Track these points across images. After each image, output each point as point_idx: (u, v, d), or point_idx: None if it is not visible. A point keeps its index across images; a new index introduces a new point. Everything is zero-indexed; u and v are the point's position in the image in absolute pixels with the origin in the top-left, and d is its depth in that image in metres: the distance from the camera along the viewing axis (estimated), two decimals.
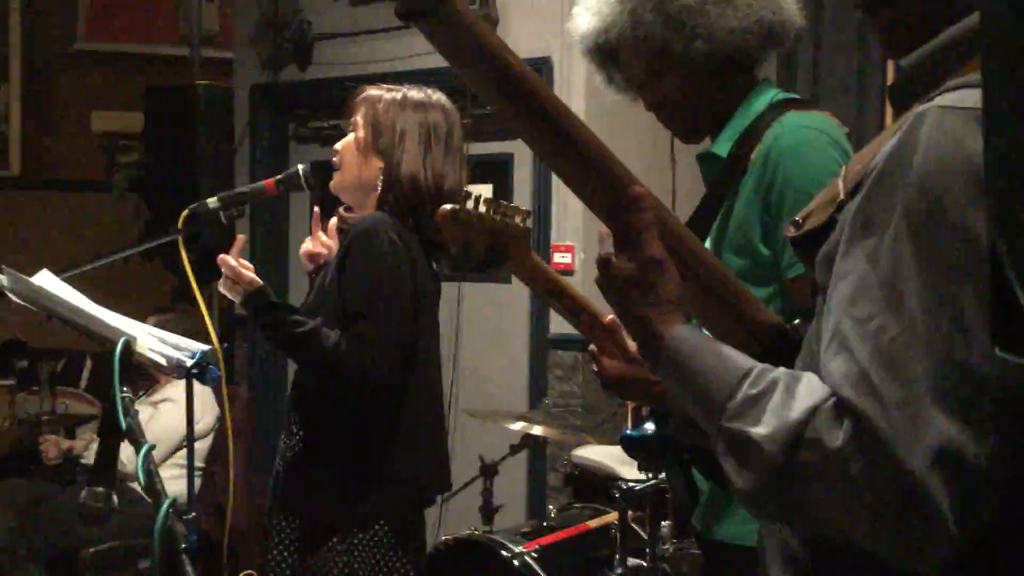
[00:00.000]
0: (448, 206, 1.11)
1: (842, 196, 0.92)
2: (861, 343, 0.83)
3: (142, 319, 3.84)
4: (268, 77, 4.37)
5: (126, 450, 3.82)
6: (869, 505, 0.81)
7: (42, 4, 6.04)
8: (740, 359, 0.93)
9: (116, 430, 1.52)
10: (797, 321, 1.10)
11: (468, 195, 1.13)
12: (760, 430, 0.85)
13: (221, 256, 2.09)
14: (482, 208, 1.14)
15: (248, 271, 2.10)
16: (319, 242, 2.30)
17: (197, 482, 3.83)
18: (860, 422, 0.81)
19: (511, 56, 0.94)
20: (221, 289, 2.13)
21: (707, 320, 1.03)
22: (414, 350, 2.13)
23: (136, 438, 1.42)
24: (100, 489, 1.58)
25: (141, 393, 3.95)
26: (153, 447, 1.37)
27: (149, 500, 1.25)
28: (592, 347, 1.33)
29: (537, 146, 0.97)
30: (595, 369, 1.32)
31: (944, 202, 0.81)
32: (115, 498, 1.61)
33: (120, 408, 1.49)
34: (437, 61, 3.80)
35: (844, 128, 1.73)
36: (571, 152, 0.97)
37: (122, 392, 1.56)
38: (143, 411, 3.81)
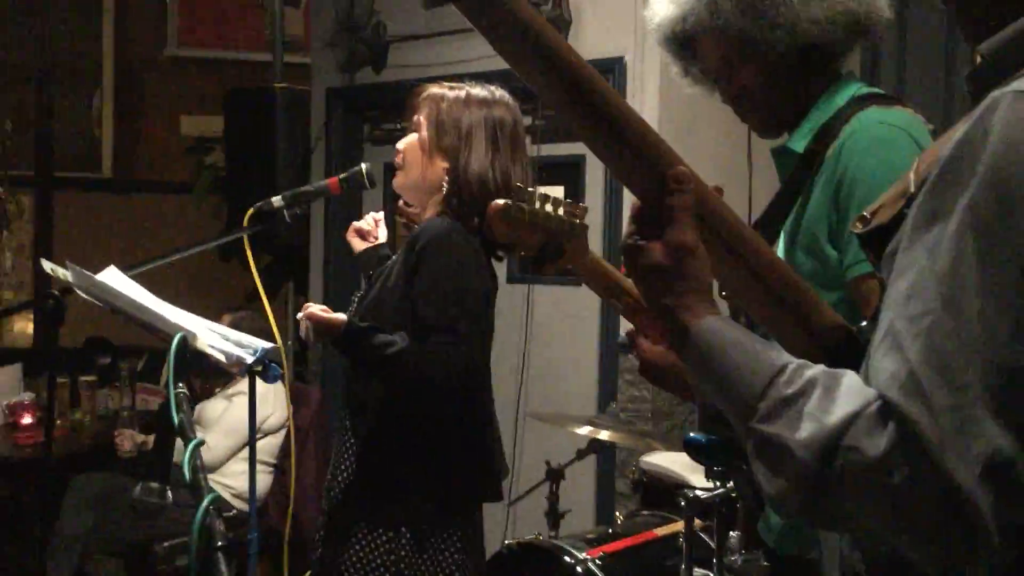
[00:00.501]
0: (500, 202, 1.08)
1: (912, 189, 0.86)
2: (912, 342, 0.77)
3: (218, 317, 3.94)
4: (344, 80, 4.41)
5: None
6: (909, 515, 0.76)
7: (133, 11, 6.23)
8: (773, 354, 0.86)
9: (170, 426, 1.53)
10: (864, 324, 1.04)
11: (522, 190, 1.09)
12: (795, 435, 0.80)
13: (307, 311, 2.05)
14: (536, 204, 1.10)
15: (330, 314, 2.05)
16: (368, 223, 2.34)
17: (269, 479, 3.89)
18: (906, 427, 0.75)
19: (544, 26, 0.90)
20: (311, 338, 2.09)
21: (765, 320, 0.97)
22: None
23: (187, 434, 1.42)
24: (154, 484, 1.60)
25: (217, 389, 4.02)
26: (202, 443, 1.38)
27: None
28: (632, 328, 1.29)
29: (573, 119, 0.92)
30: (633, 352, 1.28)
31: (1016, 195, 0.74)
32: (169, 493, 1.62)
33: (173, 404, 1.50)
34: None
35: (929, 126, 1.63)
36: (607, 124, 0.91)
37: (177, 388, 1.57)
38: (218, 405, 3.89)
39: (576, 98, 0.90)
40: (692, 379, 0.95)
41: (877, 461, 0.76)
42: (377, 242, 2.37)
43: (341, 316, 2.04)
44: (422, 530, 2.04)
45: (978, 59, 0.89)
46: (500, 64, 0.93)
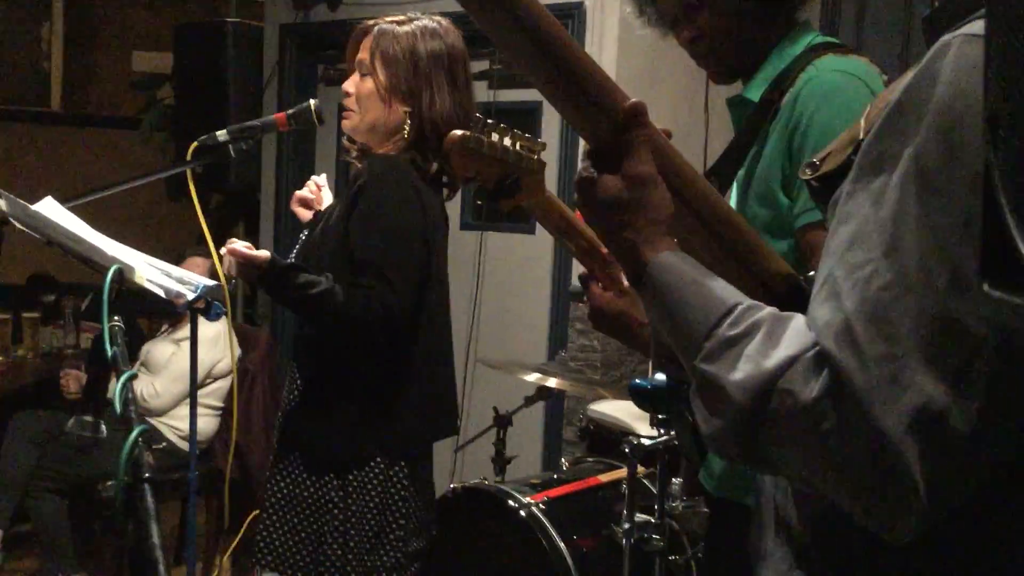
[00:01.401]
0: (458, 133, 1.04)
1: (861, 136, 0.83)
2: (850, 290, 0.76)
3: (177, 258, 3.87)
4: (298, 16, 4.31)
5: (148, 387, 3.83)
6: (837, 464, 0.75)
7: None
8: (726, 293, 0.85)
9: (104, 359, 1.49)
10: (812, 273, 1.03)
11: (481, 121, 1.06)
12: (731, 376, 0.79)
13: (229, 246, 2.02)
14: (495, 137, 1.07)
15: (254, 251, 2.02)
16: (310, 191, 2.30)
17: (217, 421, 3.86)
18: (838, 376, 0.74)
19: None
20: (232, 273, 2.05)
21: (713, 267, 0.96)
22: (423, 298, 2.09)
23: (120, 368, 1.39)
24: (88, 418, 1.56)
25: (164, 329, 3.96)
26: (135, 375, 1.34)
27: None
28: (584, 271, 1.27)
29: (516, 54, 0.89)
30: (585, 298, 1.27)
31: (962, 143, 0.71)
32: (103, 427, 1.59)
33: (107, 336, 1.46)
34: None
35: (884, 76, 1.63)
36: (553, 60, 0.88)
37: (111, 321, 1.53)
38: (166, 349, 3.84)
39: (526, 36, 0.86)
40: (648, 314, 0.91)
41: (808, 406, 0.75)
42: (323, 208, 2.32)
43: (265, 253, 2.00)
44: (366, 469, 2.04)
45: (935, 3, 0.87)
46: (454, 5, 0.90)
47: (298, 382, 2.12)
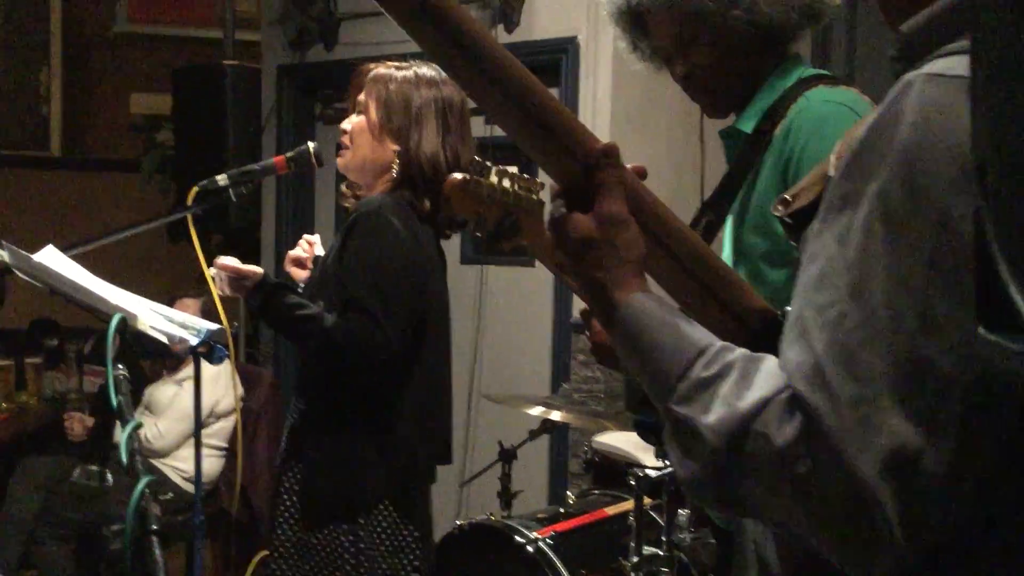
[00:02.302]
0: (458, 176, 1.05)
1: (831, 172, 0.83)
2: (819, 332, 0.76)
3: (172, 302, 3.88)
4: (294, 57, 4.35)
5: (151, 428, 3.82)
6: (812, 506, 0.74)
7: None
8: (698, 335, 0.85)
9: (109, 408, 1.50)
10: (789, 308, 1.04)
11: (480, 164, 1.07)
12: (705, 419, 0.78)
13: (219, 261, 2.06)
14: (493, 179, 1.08)
15: (246, 266, 2.07)
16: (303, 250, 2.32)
17: (221, 462, 3.86)
18: (811, 419, 0.74)
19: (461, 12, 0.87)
20: (225, 290, 2.09)
21: (689, 305, 0.96)
22: (421, 331, 2.10)
23: (124, 416, 1.40)
24: (93, 467, 1.57)
25: (165, 372, 3.97)
26: (139, 425, 1.35)
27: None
28: (585, 308, 1.27)
29: (488, 104, 0.90)
30: (587, 333, 1.27)
31: (924, 183, 0.72)
32: (109, 476, 1.60)
33: (112, 385, 1.47)
34: None
35: (874, 106, 1.65)
36: (525, 107, 0.88)
37: (116, 370, 1.53)
38: (168, 389, 3.84)
39: (496, 88, 0.87)
40: (621, 358, 0.91)
41: (783, 449, 0.75)
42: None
43: (257, 268, 2.04)
44: (374, 512, 2.03)
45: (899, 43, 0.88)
46: None
47: (296, 422, 2.12)
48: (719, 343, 0.84)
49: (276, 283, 2.04)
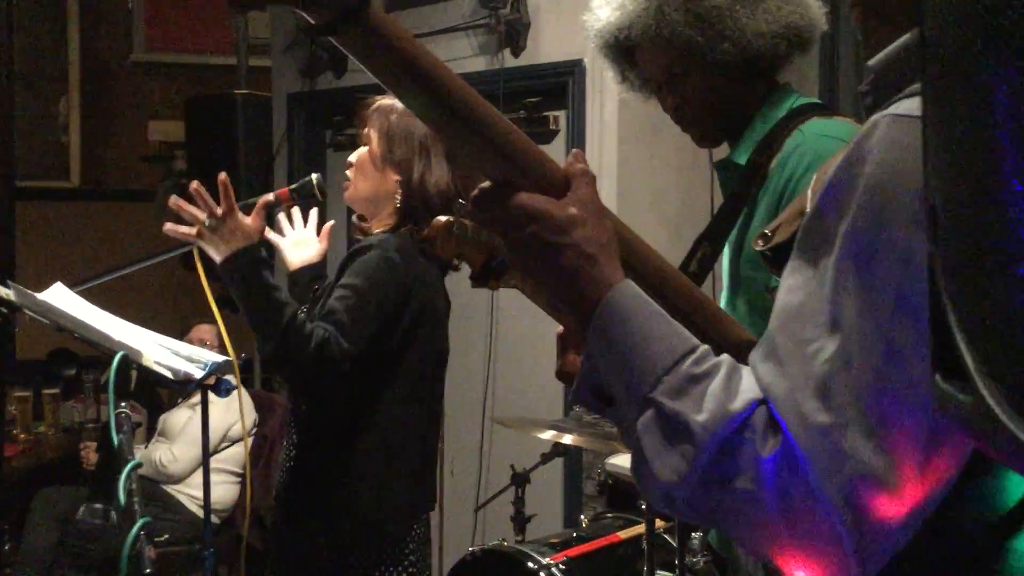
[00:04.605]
0: (442, 219, 1.06)
1: (808, 207, 0.84)
2: (796, 363, 0.77)
3: (187, 329, 3.90)
4: (305, 85, 4.38)
5: (166, 453, 3.82)
6: (778, 524, 0.76)
7: (100, 16, 6.17)
8: (687, 332, 0.85)
9: (112, 446, 1.51)
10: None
11: (465, 206, 1.08)
12: (698, 416, 0.79)
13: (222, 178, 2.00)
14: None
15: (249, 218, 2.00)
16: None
17: (236, 488, 3.87)
18: (785, 441, 0.76)
19: (427, 56, 0.87)
20: (203, 243, 2.01)
21: None
22: (390, 365, 2.08)
23: (125, 456, 1.41)
24: (98, 506, 1.58)
25: (180, 399, 3.99)
26: (139, 465, 1.36)
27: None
28: (560, 330, 1.27)
29: (461, 144, 0.89)
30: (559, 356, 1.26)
31: (891, 220, 0.74)
32: (113, 514, 1.61)
33: (113, 425, 1.48)
34: (473, 66, 3.75)
35: None
36: (491, 145, 0.87)
37: (118, 409, 1.55)
38: (181, 415, 3.87)
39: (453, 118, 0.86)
40: (592, 341, 0.86)
41: (763, 462, 0.76)
42: (314, 258, 2.30)
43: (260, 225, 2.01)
44: (346, 544, 2.04)
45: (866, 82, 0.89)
46: (463, 67, 0.90)
47: (292, 455, 2.13)
48: (705, 345, 0.85)
49: (263, 258, 1.98)
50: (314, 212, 2.34)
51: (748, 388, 0.80)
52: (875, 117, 0.78)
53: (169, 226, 2.01)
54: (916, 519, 0.75)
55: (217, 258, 1.98)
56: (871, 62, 0.87)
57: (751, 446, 0.77)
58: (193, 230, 1.98)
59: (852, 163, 0.78)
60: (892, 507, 0.74)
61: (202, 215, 1.97)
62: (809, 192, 0.88)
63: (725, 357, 0.83)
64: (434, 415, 2.23)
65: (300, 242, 2.28)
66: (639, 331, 0.83)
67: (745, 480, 0.77)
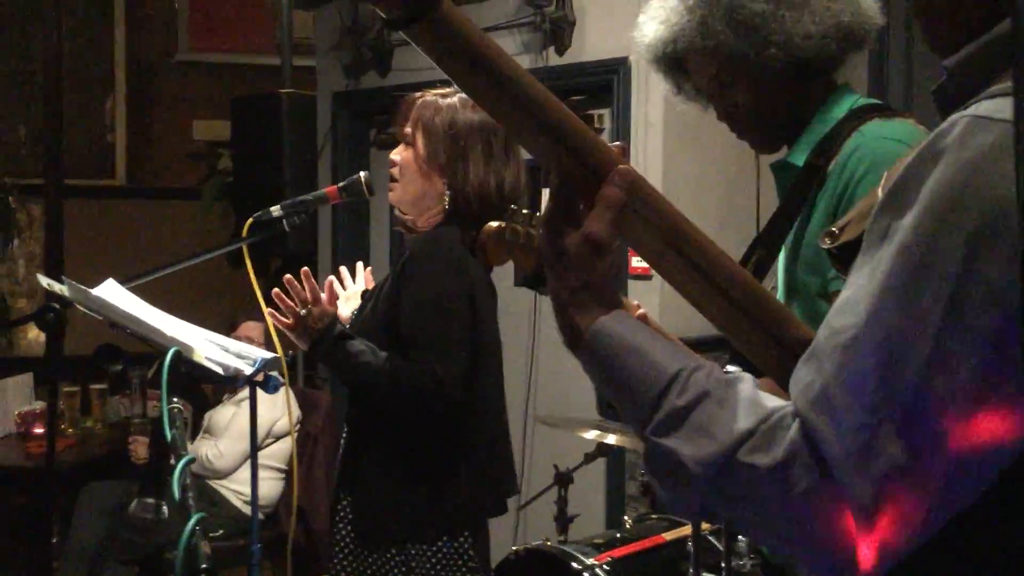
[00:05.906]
0: (493, 224, 1.06)
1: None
2: (831, 353, 0.76)
3: (234, 326, 3.93)
4: (349, 84, 4.40)
5: (212, 448, 3.86)
6: (804, 528, 0.76)
7: (144, 17, 6.24)
8: (667, 359, 0.84)
9: (165, 441, 1.52)
10: None
11: (516, 212, 1.07)
12: (690, 452, 0.79)
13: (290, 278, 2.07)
14: (530, 226, 1.08)
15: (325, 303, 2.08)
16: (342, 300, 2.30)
17: (281, 484, 3.89)
18: (812, 441, 0.75)
19: (497, 51, 0.87)
20: (290, 334, 2.09)
21: (733, 335, 0.95)
22: (475, 366, 2.09)
23: (178, 451, 1.42)
24: (150, 500, 1.59)
25: (226, 396, 4.02)
26: (192, 460, 1.37)
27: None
28: None
29: (506, 121, 0.90)
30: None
31: (957, 223, 0.72)
32: (165, 508, 1.62)
33: (166, 419, 1.49)
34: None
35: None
36: (541, 122, 0.89)
37: (171, 403, 1.56)
38: (227, 411, 3.90)
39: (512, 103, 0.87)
40: (590, 377, 0.90)
41: (771, 472, 0.76)
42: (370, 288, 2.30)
43: (327, 308, 2.06)
44: (427, 542, 2.03)
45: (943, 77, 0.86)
46: None
47: (351, 451, 2.13)
48: (689, 364, 0.83)
49: (339, 333, 2.04)
50: (359, 266, 2.37)
51: (744, 412, 0.79)
52: (953, 116, 0.76)
53: (270, 312, 2.11)
54: (941, 518, 0.75)
55: (304, 346, 2.10)
56: (947, 62, 0.84)
57: (750, 469, 0.77)
58: (291, 320, 2.09)
59: (924, 160, 0.76)
60: (923, 500, 0.73)
61: (297, 307, 2.08)
62: (879, 191, 0.86)
63: (712, 377, 0.82)
64: (500, 408, 2.23)
65: (349, 297, 2.32)
66: (622, 369, 0.85)
67: (754, 494, 0.77)
